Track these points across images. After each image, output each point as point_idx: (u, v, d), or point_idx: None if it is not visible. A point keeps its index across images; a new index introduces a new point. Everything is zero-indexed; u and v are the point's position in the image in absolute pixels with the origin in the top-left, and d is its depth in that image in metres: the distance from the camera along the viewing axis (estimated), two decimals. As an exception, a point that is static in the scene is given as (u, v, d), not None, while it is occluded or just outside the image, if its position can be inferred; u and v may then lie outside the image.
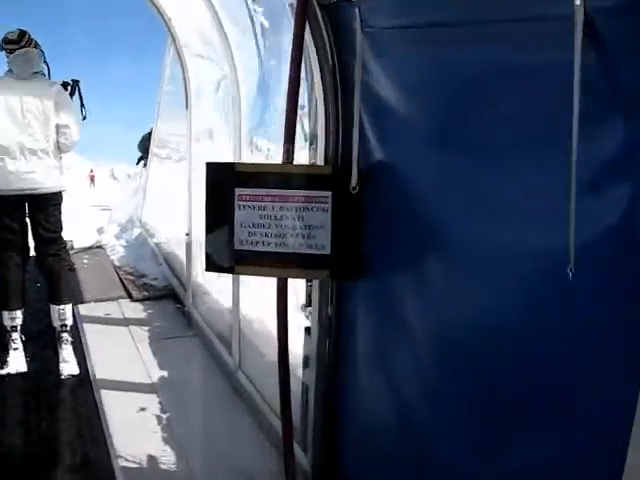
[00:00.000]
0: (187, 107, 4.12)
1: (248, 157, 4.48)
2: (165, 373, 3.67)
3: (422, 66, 1.81)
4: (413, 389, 1.95)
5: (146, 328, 4.39)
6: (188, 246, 4.42)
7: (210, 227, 2.18)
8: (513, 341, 1.55)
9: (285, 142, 2.10)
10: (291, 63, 2.04)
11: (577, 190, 1.25)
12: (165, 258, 5.61)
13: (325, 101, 2.16)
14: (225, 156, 4.10)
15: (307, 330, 2.49)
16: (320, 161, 2.24)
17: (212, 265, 2.20)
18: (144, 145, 12.45)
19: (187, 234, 4.42)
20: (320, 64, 2.13)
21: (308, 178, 2.08)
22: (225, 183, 2.13)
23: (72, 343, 3.90)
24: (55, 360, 3.76)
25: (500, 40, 1.56)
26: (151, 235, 6.36)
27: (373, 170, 2.01)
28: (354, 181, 1.98)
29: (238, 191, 2.10)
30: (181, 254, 4.98)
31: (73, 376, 3.66)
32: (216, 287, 4.15)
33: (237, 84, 3.06)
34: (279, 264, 2.12)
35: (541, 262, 1.46)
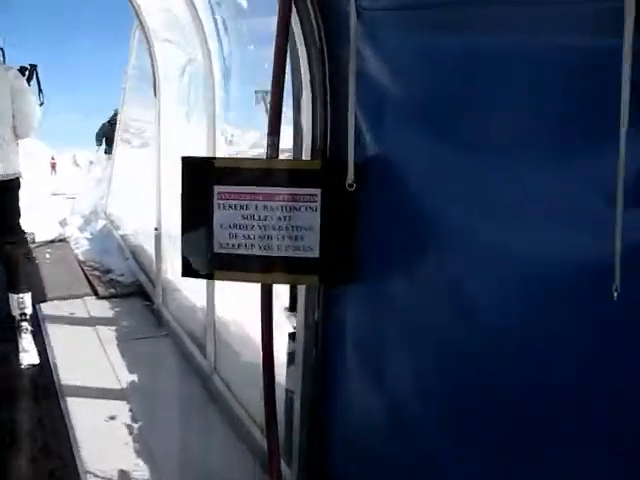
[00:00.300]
0: (155, 94, 3.89)
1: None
2: (135, 377, 3.46)
3: (424, 51, 1.65)
4: (407, 391, 1.82)
5: (113, 328, 4.17)
6: (157, 241, 4.21)
7: (186, 228, 1.98)
8: (512, 343, 1.47)
9: (269, 134, 1.91)
10: (276, 49, 1.85)
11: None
12: (132, 252, 5.38)
13: (312, 87, 1.97)
14: (194, 144, 3.93)
15: (292, 336, 2.32)
16: (306, 155, 2.05)
17: (189, 271, 2.01)
18: (103, 134, 12.12)
19: (156, 229, 4.20)
20: (307, 47, 1.94)
21: (295, 174, 1.90)
22: (203, 180, 1.94)
23: (32, 332, 3.82)
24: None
25: (513, 24, 1.41)
26: (116, 227, 6.12)
27: (367, 165, 1.83)
28: (350, 178, 1.80)
29: (217, 189, 1.91)
30: (149, 248, 4.77)
31: (33, 365, 3.58)
32: (188, 284, 3.95)
33: (211, 70, 2.85)
34: (263, 269, 1.94)
35: (546, 267, 1.36)
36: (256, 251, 1.92)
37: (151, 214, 4.45)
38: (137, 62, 5.31)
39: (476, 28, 1.52)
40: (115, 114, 12.07)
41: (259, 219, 1.90)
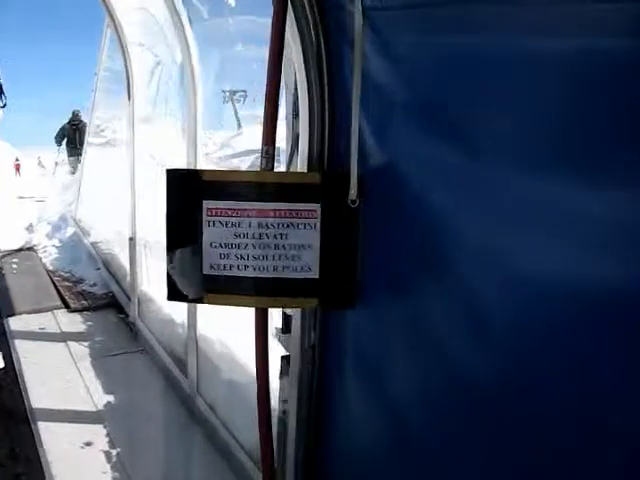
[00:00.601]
0: (129, 97, 3.68)
1: (179, 143, 4.14)
2: (111, 398, 3.26)
3: (434, 52, 1.50)
4: (412, 416, 1.69)
5: (86, 344, 3.95)
6: (132, 250, 3.99)
7: (172, 247, 1.80)
8: (531, 369, 1.32)
9: (264, 143, 1.74)
10: (270, 48, 1.68)
11: None
12: (104, 261, 5.15)
13: (309, 92, 1.80)
14: (166, 148, 3.76)
15: (285, 359, 2.15)
16: (302, 165, 1.89)
17: (175, 294, 1.82)
18: (62, 135, 11.81)
19: (131, 238, 3.99)
20: (303, 45, 1.77)
21: (292, 188, 1.73)
22: (190, 194, 1.76)
23: None
24: None
25: (533, 25, 1.26)
26: (86, 234, 5.88)
27: (371, 177, 1.68)
28: (354, 193, 1.64)
29: (207, 204, 1.73)
30: (122, 257, 4.56)
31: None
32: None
33: (193, 75, 2.65)
34: (258, 292, 1.77)
35: (570, 288, 1.21)
36: (250, 272, 1.74)
37: (123, 221, 4.25)
38: (108, 63, 5.08)
39: (492, 28, 1.37)
40: (74, 115, 11.82)
41: (253, 237, 1.72)
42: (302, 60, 1.78)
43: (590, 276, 1.19)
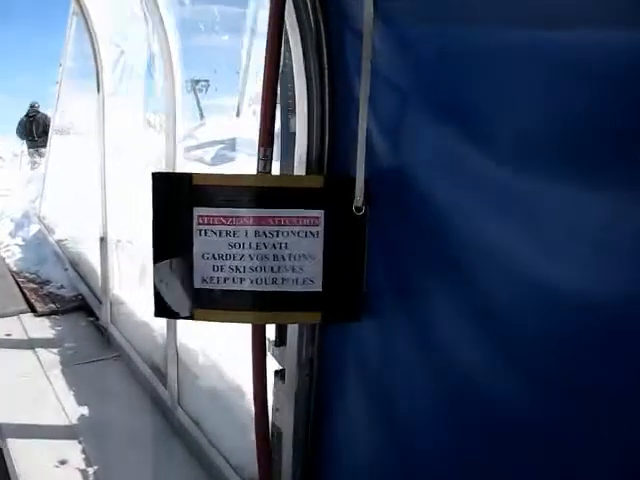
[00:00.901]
0: (98, 90, 3.47)
1: (142, 133, 3.97)
2: (85, 410, 3.07)
3: (448, 44, 1.35)
4: (423, 437, 1.57)
5: (56, 350, 3.73)
6: (103, 252, 3.79)
7: (159, 259, 1.63)
8: (554, 391, 1.19)
9: (261, 145, 1.58)
10: (268, 36, 1.52)
11: None
12: (71, 261, 4.91)
13: (308, 87, 1.64)
14: (131, 145, 3.60)
15: (279, 374, 2.00)
16: (299, 167, 1.73)
17: (164, 310, 1.66)
18: (23, 129, 11.52)
19: (102, 238, 3.78)
20: (301, 32, 1.61)
21: (293, 193, 1.58)
22: (179, 200, 1.59)
23: None
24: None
25: (561, 15, 1.12)
26: (52, 232, 5.63)
27: (378, 182, 1.53)
28: (360, 200, 1.49)
29: (197, 211, 1.57)
30: (92, 258, 4.35)
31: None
32: (141, 300, 3.58)
33: (171, 68, 2.46)
34: (256, 307, 1.62)
35: (599, 302, 1.09)
36: (246, 286, 1.59)
37: (92, 218, 4.06)
38: (75, 52, 4.85)
39: (515, 19, 1.23)
40: (31, 107, 11.50)
41: (250, 247, 1.57)
42: (300, 50, 1.62)
43: (617, 286, 1.06)
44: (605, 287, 1.08)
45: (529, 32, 1.19)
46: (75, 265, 4.80)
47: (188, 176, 1.59)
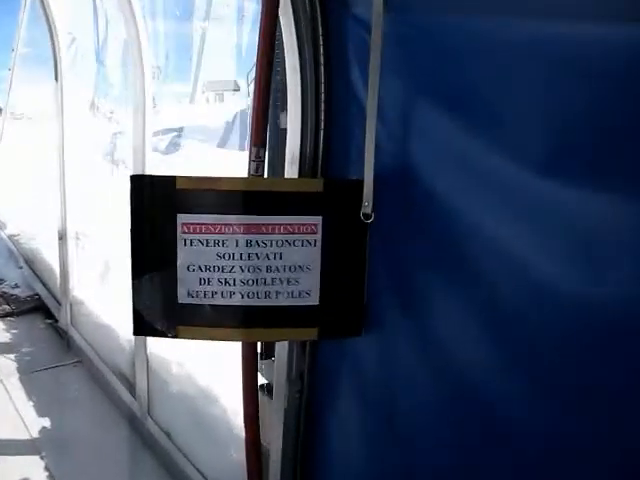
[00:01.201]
0: (56, 78, 3.24)
1: (91, 121, 3.78)
2: (47, 422, 2.87)
3: (460, 34, 1.22)
4: (424, 458, 1.47)
5: (12, 356, 3.50)
6: (63, 251, 3.57)
7: (139, 273, 1.47)
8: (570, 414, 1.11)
9: (253, 144, 1.43)
10: (262, 24, 1.37)
11: None
12: (26, 258, 4.66)
13: (302, 80, 1.50)
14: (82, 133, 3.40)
15: (265, 388, 1.86)
16: (290, 171, 1.59)
17: (143, 328, 1.50)
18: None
19: (60, 237, 3.56)
20: (295, 14, 1.46)
21: (288, 197, 1.43)
22: (161, 206, 1.44)
23: None
24: None
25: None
26: (3, 226, 5.36)
27: (384, 185, 1.40)
28: (368, 206, 1.36)
29: (181, 218, 1.41)
30: (48, 256, 4.13)
31: None
32: (104, 301, 3.39)
33: (140, 55, 2.27)
34: (247, 323, 1.47)
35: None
36: (237, 300, 1.44)
37: (47, 211, 3.85)
38: (28, 39, 4.60)
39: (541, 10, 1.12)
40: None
41: (240, 258, 1.42)
42: (294, 37, 1.47)
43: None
44: (615, 288, 1.02)
45: (554, 25, 1.08)
46: (30, 262, 4.55)
47: (171, 179, 1.43)
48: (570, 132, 1.08)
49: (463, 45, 1.24)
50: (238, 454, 2.10)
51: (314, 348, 1.72)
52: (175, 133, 6.93)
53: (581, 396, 1.09)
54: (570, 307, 1.09)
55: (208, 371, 2.46)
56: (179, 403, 2.51)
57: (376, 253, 1.47)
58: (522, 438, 1.22)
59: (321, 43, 1.48)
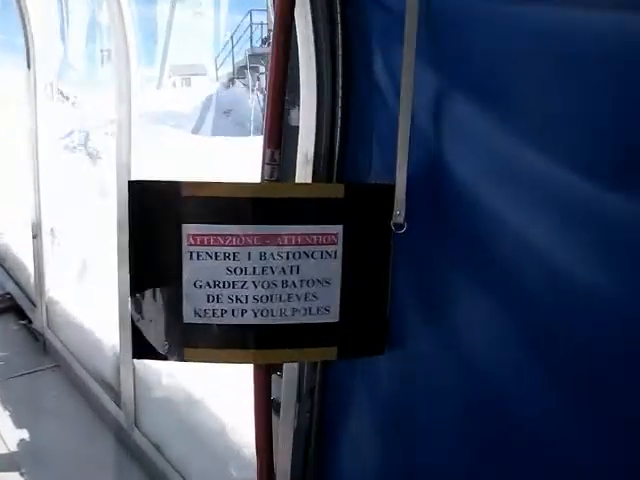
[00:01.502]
0: (29, 65, 3.04)
1: (50, 106, 3.61)
2: (26, 434, 2.69)
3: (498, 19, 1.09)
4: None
5: (-16, 361, 3.31)
6: (37, 250, 3.39)
7: (139, 289, 1.32)
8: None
9: (267, 146, 1.28)
10: (277, 10, 1.21)
11: None
12: (-4, 256, 4.45)
13: (318, 72, 1.35)
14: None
15: (272, 405, 1.73)
16: (301, 174, 1.44)
17: (144, 351, 1.35)
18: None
19: (34, 236, 3.37)
20: (311, 2, 1.31)
21: (306, 205, 1.29)
22: (164, 215, 1.29)
23: None
24: None
25: None
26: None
27: (416, 191, 1.26)
28: (400, 215, 1.22)
29: (188, 229, 1.26)
30: (20, 253, 3.95)
31: None
32: (83, 302, 3.22)
33: (125, 37, 2.10)
34: (260, 344, 1.34)
35: None
36: (249, 319, 1.30)
37: (18, 204, 3.67)
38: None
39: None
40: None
41: (254, 273, 1.28)
42: (310, 24, 1.32)
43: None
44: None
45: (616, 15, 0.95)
46: (1, 261, 4.34)
47: (175, 185, 1.28)
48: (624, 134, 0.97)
49: (508, 34, 1.11)
50: (238, 472, 1.98)
51: (326, 364, 1.59)
52: (144, 119, 6.76)
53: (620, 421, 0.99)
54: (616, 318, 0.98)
55: (201, 379, 2.32)
56: (169, 414, 2.37)
57: (400, 265, 1.34)
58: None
59: (339, 31, 1.33)
